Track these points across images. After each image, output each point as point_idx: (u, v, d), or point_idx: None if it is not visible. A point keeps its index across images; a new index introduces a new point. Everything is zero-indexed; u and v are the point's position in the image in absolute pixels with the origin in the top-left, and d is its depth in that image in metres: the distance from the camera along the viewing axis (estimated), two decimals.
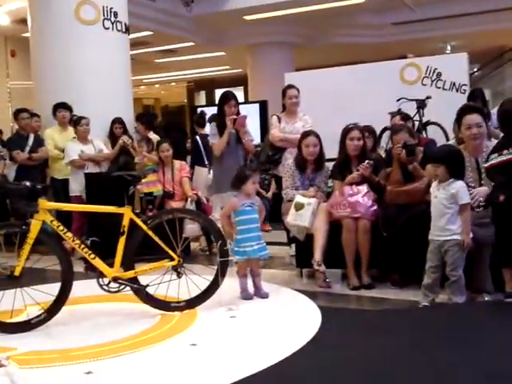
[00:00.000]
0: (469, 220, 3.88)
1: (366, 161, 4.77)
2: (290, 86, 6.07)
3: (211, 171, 6.50)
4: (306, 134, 5.15)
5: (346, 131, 4.93)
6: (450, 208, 3.87)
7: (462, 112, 4.27)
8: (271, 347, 3.33)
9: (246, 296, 4.36)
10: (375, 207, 4.68)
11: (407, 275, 4.52)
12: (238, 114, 5.72)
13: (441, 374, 2.77)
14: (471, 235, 3.86)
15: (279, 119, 6.03)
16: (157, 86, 21.21)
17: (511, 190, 3.67)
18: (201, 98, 20.85)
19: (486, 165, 3.89)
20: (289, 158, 5.72)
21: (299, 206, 4.86)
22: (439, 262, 3.91)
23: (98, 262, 3.99)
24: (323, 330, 3.56)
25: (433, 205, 3.97)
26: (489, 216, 3.96)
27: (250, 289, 4.43)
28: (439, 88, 7.39)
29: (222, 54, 15.23)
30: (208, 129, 7.55)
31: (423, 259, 4.00)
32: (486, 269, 4.00)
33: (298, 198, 4.91)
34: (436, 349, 3.11)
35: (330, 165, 5.20)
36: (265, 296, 4.37)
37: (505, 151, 3.75)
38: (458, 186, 3.89)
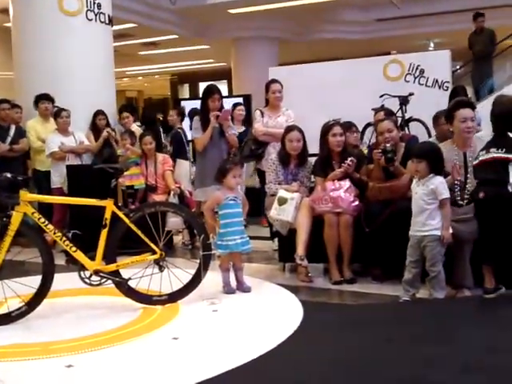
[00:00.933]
0: (449, 215, 3.92)
1: (350, 158, 4.79)
2: (274, 81, 6.07)
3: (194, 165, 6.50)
4: (289, 129, 5.16)
5: (328, 127, 4.95)
6: (430, 204, 3.91)
7: (456, 106, 4.30)
8: (253, 341, 3.35)
9: (228, 290, 4.36)
10: (357, 202, 4.70)
11: (388, 270, 4.56)
12: (221, 108, 5.70)
13: (418, 368, 2.80)
14: (451, 231, 3.90)
15: (262, 114, 6.03)
16: (140, 78, 21.10)
17: (493, 187, 3.70)
18: (184, 91, 20.77)
19: (474, 162, 3.93)
20: (272, 152, 5.72)
21: (282, 201, 4.87)
22: (419, 257, 3.95)
23: (80, 255, 3.97)
24: (305, 325, 3.57)
25: (413, 201, 4.01)
26: (470, 212, 4.01)
27: (233, 283, 4.43)
28: (422, 85, 7.43)
29: (207, 47, 15.17)
30: (185, 123, 7.57)
31: (404, 254, 4.03)
32: (467, 265, 4.05)
33: (282, 193, 4.92)
34: (415, 343, 3.14)
35: (313, 160, 5.21)
36: (247, 290, 4.38)
37: (492, 149, 3.78)
38: (437, 181, 3.93)
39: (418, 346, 3.10)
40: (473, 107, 4.30)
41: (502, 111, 3.89)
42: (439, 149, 4.11)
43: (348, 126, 5.46)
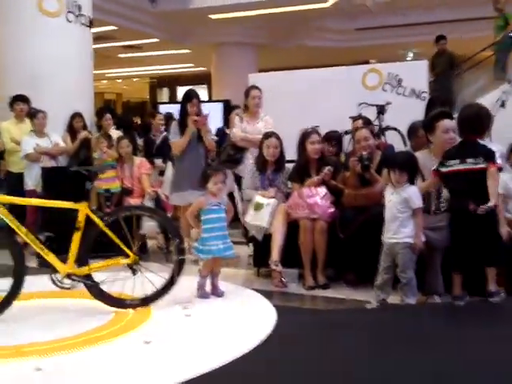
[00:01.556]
0: (421, 224, 3.97)
1: (327, 167, 4.83)
2: (254, 87, 6.10)
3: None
4: (267, 135, 5.19)
5: (306, 135, 4.99)
6: (403, 212, 3.96)
7: (438, 116, 4.34)
8: (225, 346, 3.34)
9: (203, 294, 4.36)
10: (332, 209, 4.74)
11: (362, 276, 4.60)
12: (199, 113, 5.71)
13: (388, 371, 2.82)
14: (423, 239, 3.95)
15: (241, 119, 6.06)
16: (119, 80, 20.99)
17: (470, 198, 3.75)
18: (163, 95, 20.72)
19: (443, 169, 3.94)
20: (250, 157, 5.74)
21: (258, 206, 4.88)
22: (391, 263, 3.99)
23: (52, 258, 3.94)
24: (277, 329, 3.58)
25: (387, 208, 4.05)
26: (442, 220, 4.06)
27: (207, 287, 4.43)
28: (399, 94, 7.52)
29: (187, 51, 15.17)
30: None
31: (377, 260, 4.07)
32: (438, 272, 4.10)
33: (258, 199, 4.93)
34: (386, 347, 3.17)
35: (290, 166, 5.24)
36: (221, 295, 4.38)
37: (469, 160, 3.82)
38: (411, 191, 3.98)
39: (388, 350, 3.13)
40: (452, 118, 4.34)
41: (470, 115, 3.95)
42: (416, 159, 4.17)
43: (329, 138, 5.49)
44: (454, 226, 3.90)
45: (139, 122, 10.07)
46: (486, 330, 3.40)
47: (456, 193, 3.91)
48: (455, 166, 3.86)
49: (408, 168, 4.03)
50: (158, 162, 6.95)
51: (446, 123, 4.22)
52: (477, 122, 3.93)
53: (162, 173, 7.08)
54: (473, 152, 3.82)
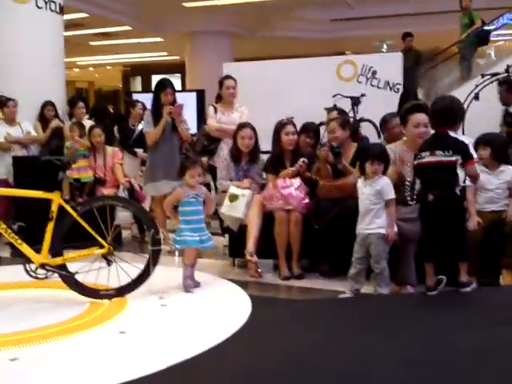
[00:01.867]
0: (394, 214, 4.02)
1: (302, 159, 4.85)
2: (228, 77, 6.07)
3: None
4: (241, 126, 5.18)
5: (281, 126, 4.99)
6: (376, 203, 4.00)
7: (411, 110, 4.38)
8: (200, 335, 3.35)
9: (187, 286, 4.27)
10: (307, 200, 4.77)
11: (336, 266, 4.64)
12: (174, 102, 5.67)
13: (362, 361, 2.86)
14: (396, 229, 4.00)
15: (215, 109, 6.02)
16: (91, 69, 20.71)
17: (439, 190, 3.80)
18: (136, 84, 20.52)
19: (415, 162, 3.99)
20: (224, 148, 5.73)
21: (233, 198, 4.89)
22: (364, 254, 4.03)
23: (25, 248, 3.89)
24: (253, 319, 3.60)
25: (360, 201, 4.08)
26: (415, 212, 4.11)
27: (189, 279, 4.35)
28: (374, 86, 7.58)
29: (160, 39, 15.03)
30: None
31: (352, 251, 4.11)
32: (411, 262, 4.16)
33: (233, 190, 4.94)
34: (359, 337, 3.21)
35: (265, 157, 5.25)
36: (196, 285, 4.37)
37: (438, 152, 3.85)
38: (384, 182, 4.03)
39: (361, 339, 3.17)
40: (427, 113, 4.37)
41: (444, 107, 3.95)
42: (387, 152, 4.22)
43: (305, 129, 5.50)
44: (423, 216, 3.94)
45: (112, 110, 9.92)
46: (456, 318, 3.46)
47: (425, 184, 3.95)
48: (426, 158, 3.88)
49: (385, 160, 4.07)
50: (140, 151, 6.89)
51: (417, 117, 4.26)
52: (449, 114, 3.93)
53: (143, 162, 7.02)
54: (443, 144, 3.83)
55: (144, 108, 7.08)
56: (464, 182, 3.95)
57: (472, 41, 9.10)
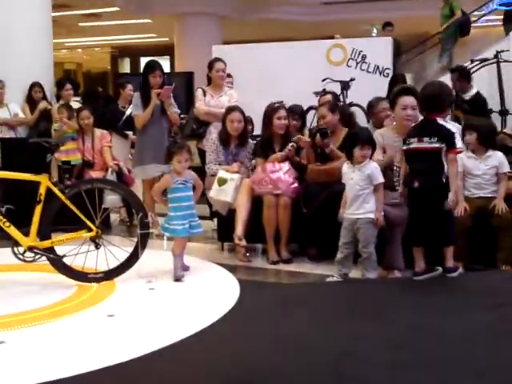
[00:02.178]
0: (382, 199, 4.04)
1: (291, 143, 4.85)
2: (218, 59, 6.01)
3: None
4: (230, 109, 5.15)
5: (273, 110, 4.96)
6: (365, 188, 4.02)
7: (399, 93, 4.39)
8: (189, 319, 3.37)
9: (177, 276, 4.16)
10: (296, 184, 4.78)
11: (324, 250, 4.67)
12: (163, 84, 5.63)
13: (350, 344, 2.89)
14: (382, 213, 4.02)
15: (204, 92, 5.97)
16: (79, 50, 20.50)
17: (425, 177, 3.81)
18: (125, 65, 20.33)
19: (404, 147, 4.00)
20: (213, 132, 5.70)
21: (222, 182, 4.88)
22: (352, 238, 4.06)
23: (13, 231, 3.88)
24: (241, 303, 3.62)
25: (349, 186, 4.09)
26: (402, 197, 4.13)
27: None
28: (363, 70, 7.57)
29: (148, 21, 14.87)
30: None
31: (339, 235, 4.13)
32: (398, 247, 4.19)
33: (221, 174, 4.93)
34: (347, 321, 3.25)
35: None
36: (185, 269, 4.38)
37: (425, 138, 3.86)
38: (372, 167, 4.04)
39: (349, 323, 3.20)
40: (416, 96, 4.38)
41: (432, 92, 3.95)
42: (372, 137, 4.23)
43: (291, 112, 5.48)
44: (409, 202, 3.96)
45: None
46: (442, 303, 3.50)
47: (412, 170, 3.96)
48: (414, 144, 3.90)
49: (373, 144, 4.08)
50: (130, 134, 6.85)
51: (405, 100, 4.27)
52: (437, 100, 3.93)
53: (134, 145, 6.97)
54: (430, 131, 3.83)
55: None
56: None
57: (453, 31, 9.07)
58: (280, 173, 4.78)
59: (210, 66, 5.96)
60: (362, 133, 4.33)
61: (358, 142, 4.07)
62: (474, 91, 6.28)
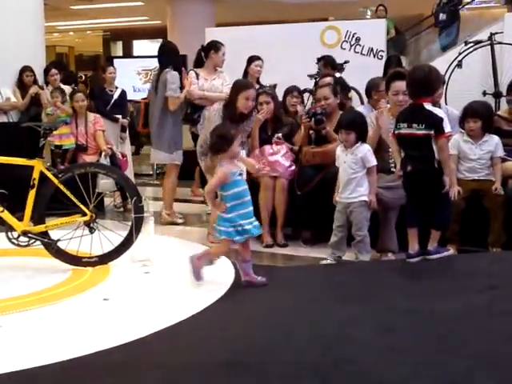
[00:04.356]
0: (375, 181, 4.05)
1: (276, 135, 4.87)
2: (222, 44, 5.90)
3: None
4: (245, 86, 4.79)
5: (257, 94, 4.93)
6: (358, 171, 4.02)
7: (391, 78, 4.38)
8: (183, 302, 3.39)
9: (197, 276, 3.66)
10: (293, 167, 4.79)
11: (318, 234, 4.68)
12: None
13: (343, 326, 2.92)
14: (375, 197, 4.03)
15: (197, 75, 5.92)
16: (71, 33, 20.31)
17: (417, 162, 3.80)
18: (117, 49, 20.17)
19: (395, 132, 3.96)
20: (207, 115, 5.66)
21: None
22: (345, 222, 4.07)
23: (7, 216, 3.88)
24: (235, 286, 3.64)
25: (342, 169, 4.10)
26: (397, 179, 4.13)
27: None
28: (357, 53, 7.55)
29: (140, 3, 14.72)
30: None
31: (333, 219, 4.14)
32: (392, 229, 4.21)
33: None
34: (341, 303, 3.27)
35: None
36: (261, 283, 3.65)
37: (414, 125, 3.81)
38: (365, 149, 4.04)
39: (343, 305, 3.22)
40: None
41: (420, 77, 3.87)
42: (364, 118, 4.22)
43: (290, 90, 5.47)
44: (405, 184, 3.96)
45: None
46: (434, 285, 3.51)
47: (406, 155, 3.95)
48: (403, 129, 3.86)
49: (354, 128, 4.05)
50: (119, 117, 6.83)
51: (397, 85, 4.27)
52: (425, 84, 3.83)
53: (124, 129, 6.96)
54: (418, 117, 3.78)
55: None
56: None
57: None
58: (278, 155, 4.78)
59: (216, 48, 5.88)
60: (343, 117, 4.33)
61: (340, 126, 4.08)
62: (337, 75, 6.33)
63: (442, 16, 8.97)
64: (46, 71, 7.03)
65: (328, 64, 6.47)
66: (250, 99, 4.70)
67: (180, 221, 5.68)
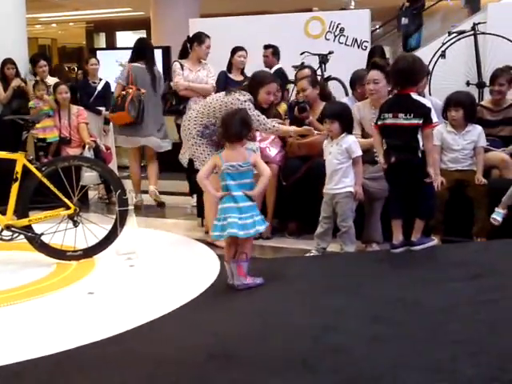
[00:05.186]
0: (361, 172, 4.06)
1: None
2: (207, 36, 5.85)
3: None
4: (270, 80, 4.46)
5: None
6: (344, 162, 4.02)
7: (368, 68, 4.42)
8: (169, 295, 3.38)
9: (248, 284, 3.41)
10: (282, 152, 4.80)
11: (303, 225, 4.69)
12: None
13: (330, 317, 2.92)
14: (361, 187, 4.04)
15: (182, 66, 5.88)
16: (54, 25, 20.09)
17: (401, 153, 3.80)
18: (101, 40, 19.99)
19: (379, 122, 3.96)
20: (193, 107, 5.63)
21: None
22: (331, 213, 4.07)
23: None
24: (221, 278, 3.63)
25: (327, 160, 4.09)
26: (381, 170, 4.13)
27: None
28: (342, 43, 7.54)
29: None
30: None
31: (319, 210, 4.14)
32: (377, 220, 4.22)
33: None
34: (326, 294, 3.28)
35: None
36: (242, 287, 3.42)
37: (400, 115, 3.80)
38: (350, 140, 4.04)
39: (329, 296, 3.23)
40: (382, 69, 4.33)
41: (404, 66, 3.86)
42: (349, 109, 4.21)
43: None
44: (388, 176, 3.95)
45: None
46: (419, 274, 3.53)
47: (389, 145, 3.94)
48: (388, 119, 3.84)
49: (339, 118, 4.04)
50: (103, 110, 6.77)
51: (369, 75, 4.34)
52: (409, 74, 3.82)
53: (107, 121, 6.90)
54: (405, 107, 3.77)
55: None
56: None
57: None
58: (267, 142, 4.80)
59: (200, 40, 5.82)
60: (328, 107, 4.33)
61: (324, 116, 4.09)
62: (277, 66, 6.67)
63: (405, 20, 8.95)
64: (35, 62, 6.96)
65: (275, 53, 6.72)
66: (271, 93, 4.45)
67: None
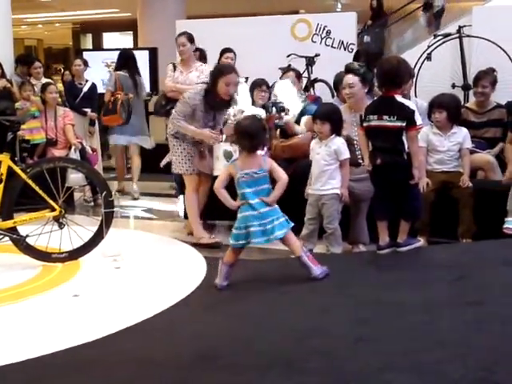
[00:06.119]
0: (347, 174, 4.06)
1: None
2: (179, 34, 5.89)
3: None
4: (228, 71, 4.51)
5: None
6: (331, 164, 4.03)
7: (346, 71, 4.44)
8: (155, 297, 3.37)
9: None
10: (267, 155, 4.78)
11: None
12: None
13: (316, 318, 2.93)
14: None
15: (175, 68, 5.88)
16: (40, 26, 19.98)
17: (387, 155, 3.81)
18: (87, 41, 19.89)
19: (364, 124, 3.96)
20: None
21: (229, 155, 4.67)
22: (317, 214, 4.07)
23: None
24: (207, 280, 3.63)
25: (315, 161, 4.10)
26: (367, 172, 4.14)
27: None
28: (328, 46, 7.55)
29: None
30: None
31: (305, 212, 4.14)
32: (363, 222, 4.23)
33: (226, 147, 4.66)
34: (313, 295, 3.28)
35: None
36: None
37: (384, 117, 3.80)
38: (339, 142, 4.05)
39: (315, 297, 3.23)
40: (355, 72, 4.34)
41: (389, 69, 3.84)
42: (340, 111, 4.22)
43: (258, 84, 5.42)
44: (373, 178, 3.96)
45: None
46: (405, 276, 3.55)
47: (374, 147, 3.95)
48: (373, 121, 3.84)
49: (330, 119, 4.05)
50: (88, 111, 6.75)
51: (344, 79, 4.38)
52: (394, 76, 3.82)
53: (92, 123, 6.88)
54: (389, 109, 3.78)
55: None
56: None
57: None
58: None
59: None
60: (320, 108, 4.35)
61: (316, 118, 4.11)
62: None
63: (367, 38, 9.06)
64: (30, 63, 6.94)
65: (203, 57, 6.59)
66: (230, 84, 4.44)
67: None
